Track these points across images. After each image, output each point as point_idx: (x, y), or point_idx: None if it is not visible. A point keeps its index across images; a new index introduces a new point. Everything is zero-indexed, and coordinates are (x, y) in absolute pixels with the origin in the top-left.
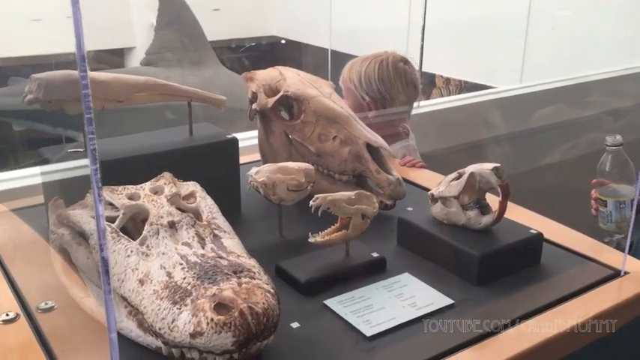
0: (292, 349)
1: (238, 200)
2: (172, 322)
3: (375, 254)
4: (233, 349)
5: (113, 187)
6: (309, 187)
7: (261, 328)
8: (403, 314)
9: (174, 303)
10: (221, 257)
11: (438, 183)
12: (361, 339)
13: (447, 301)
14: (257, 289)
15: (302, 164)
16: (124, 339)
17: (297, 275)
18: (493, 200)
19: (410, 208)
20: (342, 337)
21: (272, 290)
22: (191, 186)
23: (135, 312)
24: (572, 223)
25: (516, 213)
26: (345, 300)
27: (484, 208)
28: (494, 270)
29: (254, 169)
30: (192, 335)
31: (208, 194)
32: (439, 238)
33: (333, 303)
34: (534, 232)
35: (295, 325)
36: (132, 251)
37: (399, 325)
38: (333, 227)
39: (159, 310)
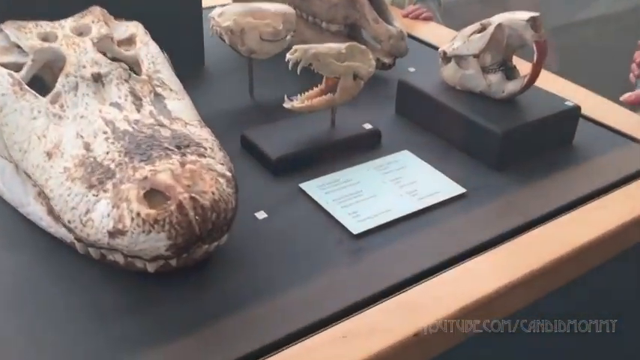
0: (254, 248)
1: (201, 51)
2: (86, 213)
3: (367, 125)
4: (168, 255)
5: (21, 22)
6: (287, 37)
7: (208, 228)
8: (400, 205)
9: (90, 187)
10: (162, 125)
11: (452, 38)
12: (346, 237)
13: (457, 189)
14: (205, 173)
15: (280, 6)
16: (36, 227)
17: (268, 150)
18: (520, 65)
19: (412, 69)
20: (321, 233)
21: (228, 173)
22: (131, 27)
23: (43, 194)
24: (605, 91)
25: (545, 80)
26: (328, 184)
27: (510, 72)
28: (519, 151)
29: (217, 10)
30: (112, 234)
31: (159, 42)
32: (450, 108)
33: (311, 187)
34: (570, 104)
35: (261, 215)
36: (39, 112)
37: (395, 220)
38: (316, 89)
39: (69, 195)
